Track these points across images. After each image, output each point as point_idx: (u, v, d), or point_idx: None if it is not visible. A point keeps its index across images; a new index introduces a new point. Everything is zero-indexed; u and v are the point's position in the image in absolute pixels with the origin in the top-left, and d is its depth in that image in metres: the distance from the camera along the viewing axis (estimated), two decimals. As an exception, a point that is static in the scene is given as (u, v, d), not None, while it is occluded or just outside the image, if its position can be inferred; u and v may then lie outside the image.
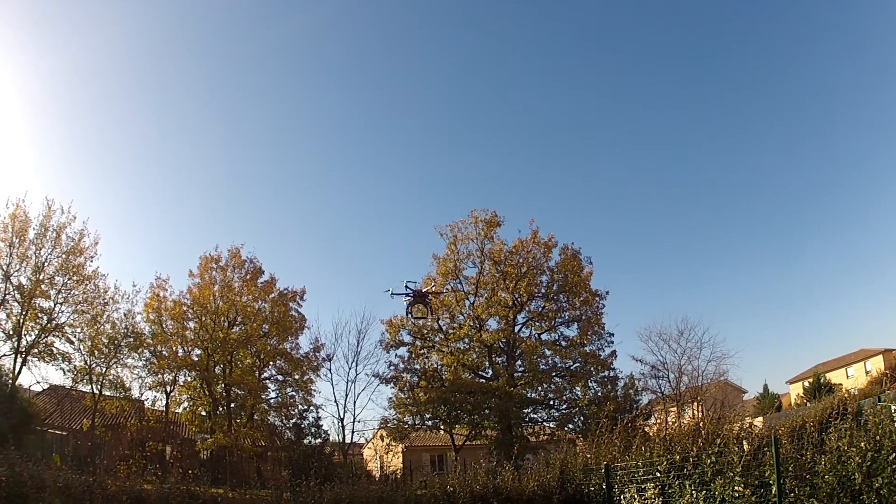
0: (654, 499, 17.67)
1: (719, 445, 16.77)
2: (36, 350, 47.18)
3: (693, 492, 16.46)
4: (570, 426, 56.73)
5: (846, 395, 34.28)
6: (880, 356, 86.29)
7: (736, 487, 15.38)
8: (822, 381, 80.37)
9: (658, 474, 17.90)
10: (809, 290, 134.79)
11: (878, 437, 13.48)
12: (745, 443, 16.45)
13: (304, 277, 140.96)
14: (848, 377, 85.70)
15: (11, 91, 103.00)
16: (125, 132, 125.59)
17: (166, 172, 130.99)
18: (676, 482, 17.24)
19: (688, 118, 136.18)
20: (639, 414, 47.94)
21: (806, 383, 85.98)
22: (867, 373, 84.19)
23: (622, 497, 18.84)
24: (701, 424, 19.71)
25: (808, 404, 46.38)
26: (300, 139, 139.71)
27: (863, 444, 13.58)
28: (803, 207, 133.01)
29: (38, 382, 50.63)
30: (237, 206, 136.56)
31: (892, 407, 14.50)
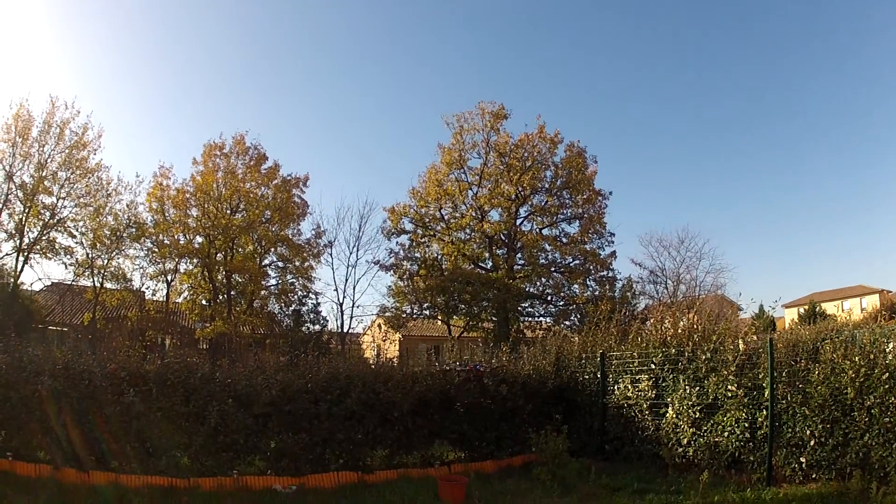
0: (648, 391, 17.71)
1: (715, 342, 16.79)
2: (38, 246, 47.57)
3: (686, 387, 16.50)
4: (567, 323, 57.06)
5: (840, 325, 34.24)
6: (876, 295, 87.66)
7: (729, 387, 15.40)
8: (817, 309, 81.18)
9: (653, 367, 17.93)
10: (816, 218, 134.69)
11: (871, 356, 13.48)
12: (740, 342, 16.48)
13: (309, 161, 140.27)
14: (843, 310, 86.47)
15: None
16: (127, 23, 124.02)
17: (171, 61, 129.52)
18: (671, 376, 17.26)
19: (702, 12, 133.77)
20: (635, 317, 48.32)
21: (801, 310, 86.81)
22: (862, 309, 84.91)
23: (616, 387, 18.86)
24: (697, 324, 19.70)
25: (802, 329, 46.87)
26: (305, 28, 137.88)
27: (857, 358, 13.56)
28: (821, 139, 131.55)
29: (40, 279, 51.36)
30: (242, 92, 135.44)
31: (890, 343, 14.39)
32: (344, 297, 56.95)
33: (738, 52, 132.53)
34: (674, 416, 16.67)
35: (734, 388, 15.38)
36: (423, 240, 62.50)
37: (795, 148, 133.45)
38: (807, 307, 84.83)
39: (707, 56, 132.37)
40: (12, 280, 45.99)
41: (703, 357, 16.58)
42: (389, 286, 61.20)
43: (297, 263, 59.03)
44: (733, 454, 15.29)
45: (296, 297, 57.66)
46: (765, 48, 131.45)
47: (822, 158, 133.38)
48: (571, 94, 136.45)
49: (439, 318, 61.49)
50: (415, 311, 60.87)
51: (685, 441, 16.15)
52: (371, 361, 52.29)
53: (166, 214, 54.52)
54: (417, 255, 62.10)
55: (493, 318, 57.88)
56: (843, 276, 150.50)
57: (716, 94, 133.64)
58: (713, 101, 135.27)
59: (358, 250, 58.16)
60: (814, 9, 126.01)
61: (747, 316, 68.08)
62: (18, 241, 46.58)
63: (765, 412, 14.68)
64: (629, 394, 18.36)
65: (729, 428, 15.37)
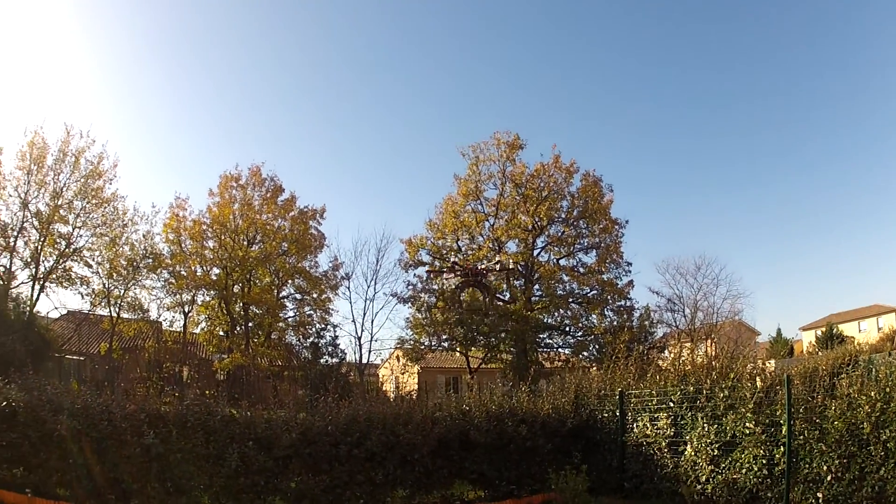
0: (667, 428, 17.76)
1: (732, 380, 16.85)
2: (54, 276, 48.06)
3: (705, 425, 16.56)
4: (585, 354, 57.03)
5: (858, 348, 34.32)
6: (893, 314, 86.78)
7: (747, 424, 15.46)
8: (834, 331, 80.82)
9: (671, 405, 17.96)
10: (831, 239, 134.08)
11: (887, 389, 13.56)
12: (758, 379, 16.52)
13: (324, 194, 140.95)
14: (860, 331, 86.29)
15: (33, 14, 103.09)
16: (142, 51, 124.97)
17: (186, 91, 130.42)
18: (689, 414, 17.31)
19: (715, 36, 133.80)
20: (653, 346, 47.96)
21: (819, 332, 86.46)
22: (879, 329, 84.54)
23: (635, 425, 18.92)
24: (714, 359, 19.75)
25: (820, 353, 46.45)
26: (323, 58, 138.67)
27: (873, 393, 13.64)
28: (835, 155, 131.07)
29: (56, 308, 51.67)
30: (257, 122, 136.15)
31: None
32: (362, 330, 57.15)
33: (752, 81, 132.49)
34: (692, 453, 16.72)
35: (752, 426, 15.44)
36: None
37: (809, 166, 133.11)
38: (824, 329, 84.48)
39: (720, 84, 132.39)
40: (28, 308, 46.29)
41: (721, 395, 16.64)
42: (407, 318, 61.19)
43: (315, 296, 59.26)
44: (751, 491, 15.29)
45: (314, 329, 57.92)
46: (779, 75, 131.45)
47: (837, 175, 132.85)
48: (584, 123, 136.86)
49: (458, 349, 61.42)
50: (433, 343, 60.67)
51: (704, 478, 16.19)
52: (390, 394, 52.29)
53: (183, 246, 54.99)
54: (435, 286, 61.84)
55: (512, 350, 57.87)
56: (860, 295, 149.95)
57: (729, 119, 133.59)
58: (727, 125, 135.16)
59: (376, 283, 58.45)
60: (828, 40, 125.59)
61: (765, 340, 67.95)
62: (34, 270, 47.13)
63: (782, 448, 14.73)
64: (648, 431, 18.42)
65: (747, 465, 15.38)
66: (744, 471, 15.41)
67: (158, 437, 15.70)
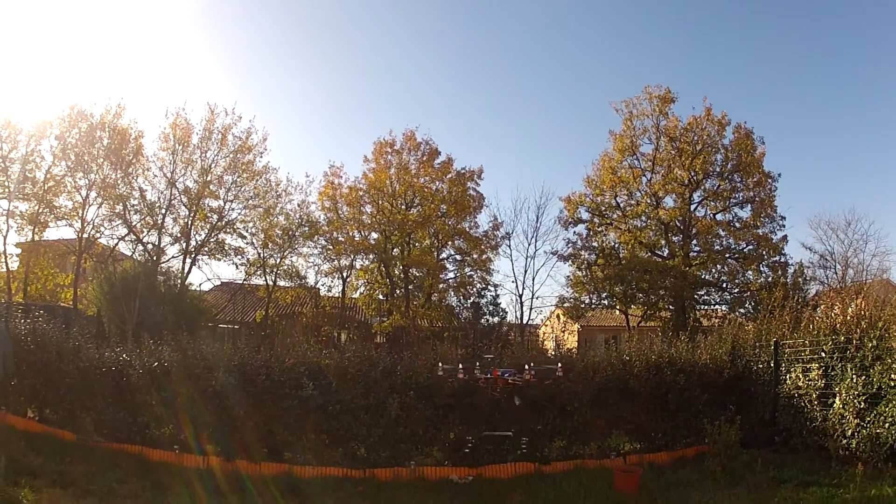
0: (818, 380, 17.69)
1: (881, 329, 16.86)
2: (206, 248, 49.93)
3: (853, 376, 16.46)
4: (742, 310, 56.18)
5: None
6: None
7: (892, 376, 15.48)
8: (977, 283, 77.73)
9: (823, 355, 17.99)
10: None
11: None
12: (905, 328, 16.47)
13: (482, 155, 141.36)
14: None
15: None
16: (290, 23, 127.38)
17: (336, 57, 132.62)
18: (839, 365, 17.29)
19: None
20: (806, 303, 47.17)
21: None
22: None
23: (788, 376, 18.87)
24: (864, 310, 19.63)
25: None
26: (471, 15, 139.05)
27: None
28: None
29: (209, 279, 53.41)
30: (410, 87, 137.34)
31: None
32: (523, 288, 57.79)
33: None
34: (840, 406, 16.80)
35: (897, 378, 15.48)
36: (599, 228, 62.50)
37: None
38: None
39: (871, 29, 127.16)
40: (179, 281, 47.88)
41: (870, 345, 16.63)
42: (568, 276, 61.49)
43: (475, 256, 59.57)
44: (892, 446, 15.26)
45: (474, 289, 58.24)
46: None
47: None
48: (728, 78, 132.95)
49: (617, 307, 61.84)
50: (593, 300, 61.07)
51: (849, 432, 16.29)
52: (550, 352, 52.77)
53: (339, 212, 55.98)
54: (595, 244, 62.23)
55: (671, 307, 57.94)
56: None
57: (881, 68, 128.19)
58: (879, 75, 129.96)
59: (536, 241, 58.75)
60: None
61: (909, 300, 65.86)
62: (185, 244, 49.04)
63: (924, 403, 14.68)
64: (800, 383, 18.40)
65: (890, 419, 15.33)
66: (886, 425, 15.41)
67: (317, 389, 16.58)
